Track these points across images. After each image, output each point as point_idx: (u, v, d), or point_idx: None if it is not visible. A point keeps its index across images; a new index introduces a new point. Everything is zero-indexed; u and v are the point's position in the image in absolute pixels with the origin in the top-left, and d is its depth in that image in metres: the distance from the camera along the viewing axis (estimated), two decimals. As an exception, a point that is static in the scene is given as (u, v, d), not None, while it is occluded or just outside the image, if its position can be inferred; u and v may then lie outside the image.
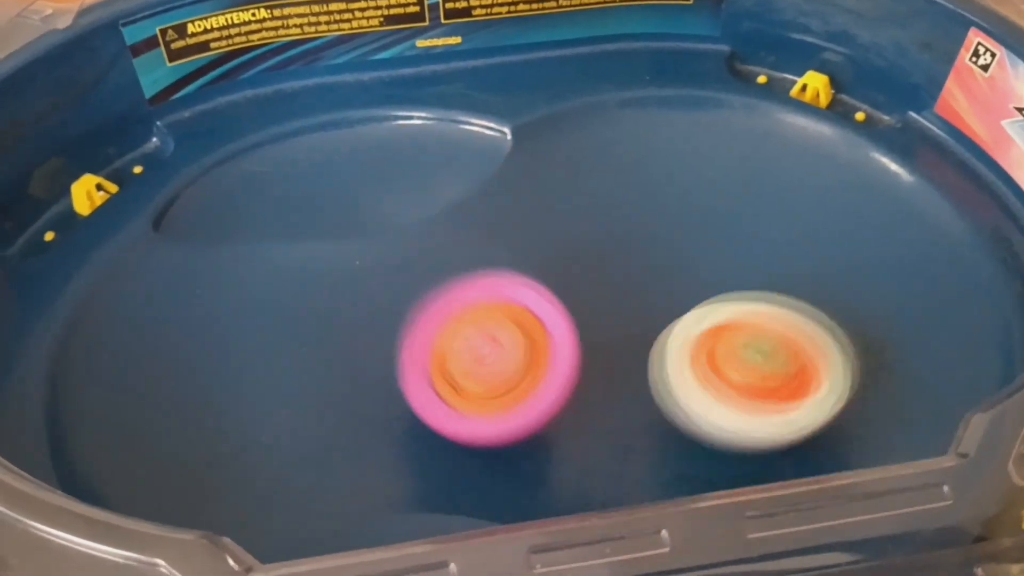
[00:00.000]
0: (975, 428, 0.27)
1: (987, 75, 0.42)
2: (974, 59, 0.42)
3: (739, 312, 0.34)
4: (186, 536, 0.25)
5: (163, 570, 0.25)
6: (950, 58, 0.43)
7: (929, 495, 0.25)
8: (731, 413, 0.32)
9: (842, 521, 0.25)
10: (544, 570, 0.24)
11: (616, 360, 0.37)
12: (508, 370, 0.32)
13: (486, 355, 0.32)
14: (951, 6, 0.43)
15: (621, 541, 0.25)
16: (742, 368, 0.32)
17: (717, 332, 0.34)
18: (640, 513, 0.25)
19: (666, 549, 0.24)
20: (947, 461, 0.26)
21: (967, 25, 0.42)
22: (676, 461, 0.34)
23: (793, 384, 0.32)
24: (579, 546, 0.25)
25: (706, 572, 0.24)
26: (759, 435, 0.31)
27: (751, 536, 0.25)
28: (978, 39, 0.42)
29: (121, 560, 0.25)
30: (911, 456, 0.27)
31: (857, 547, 0.25)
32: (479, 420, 0.31)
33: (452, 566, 0.24)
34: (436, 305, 0.34)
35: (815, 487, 0.25)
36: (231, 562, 0.25)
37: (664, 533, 0.25)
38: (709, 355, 0.33)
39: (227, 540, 0.26)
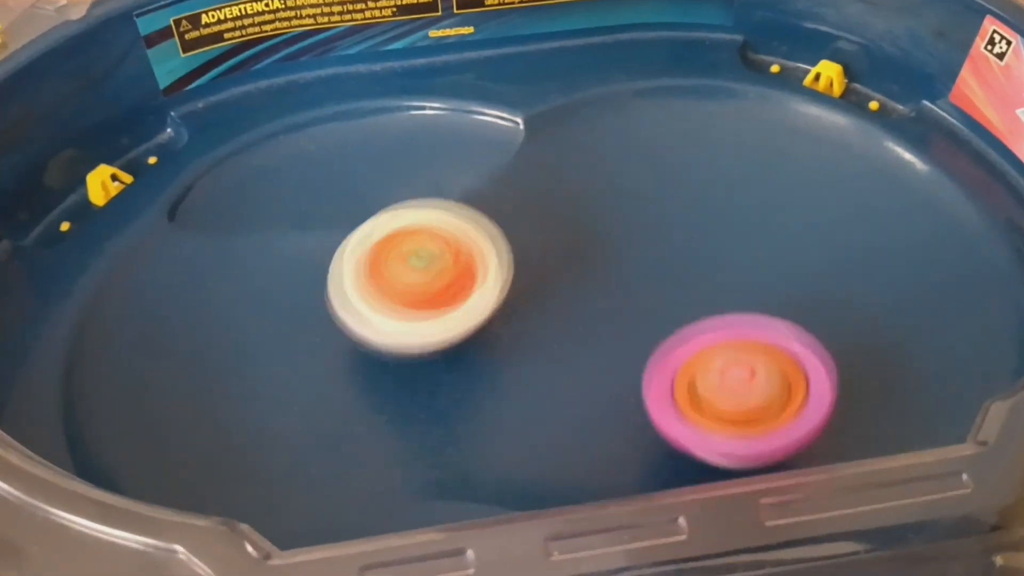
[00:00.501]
0: (994, 416, 0.27)
1: (1003, 64, 0.42)
2: (989, 47, 0.42)
3: (406, 221, 0.37)
4: (204, 522, 0.26)
5: (182, 556, 0.25)
6: (965, 47, 0.43)
7: (948, 483, 0.25)
8: (389, 321, 0.35)
9: (860, 509, 0.25)
10: (561, 557, 0.24)
11: (632, 349, 0.37)
12: (759, 400, 0.31)
13: (740, 383, 0.31)
14: (966, -6, 0.43)
15: (638, 528, 0.25)
16: (404, 276, 0.35)
17: (385, 243, 0.36)
18: (658, 500, 0.25)
19: (683, 536, 0.24)
20: (966, 449, 0.26)
21: (983, 13, 0.42)
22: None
23: (452, 290, 0.35)
24: (596, 533, 0.25)
25: (724, 559, 0.24)
26: (416, 340, 0.35)
27: (769, 524, 0.24)
28: (994, 27, 0.42)
29: (139, 546, 0.25)
30: (926, 445, 0.27)
31: (875, 535, 0.25)
32: (713, 435, 0.30)
33: (469, 552, 0.24)
34: (693, 331, 0.33)
35: (833, 475, 0.25)
36: (250, 548, 0.25)
37: (681, 520, 0.25)
38: (375, 266, 0.36)
39: (245, 527, 0.26)
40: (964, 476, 0.25)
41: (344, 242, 0.37)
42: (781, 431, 0.30)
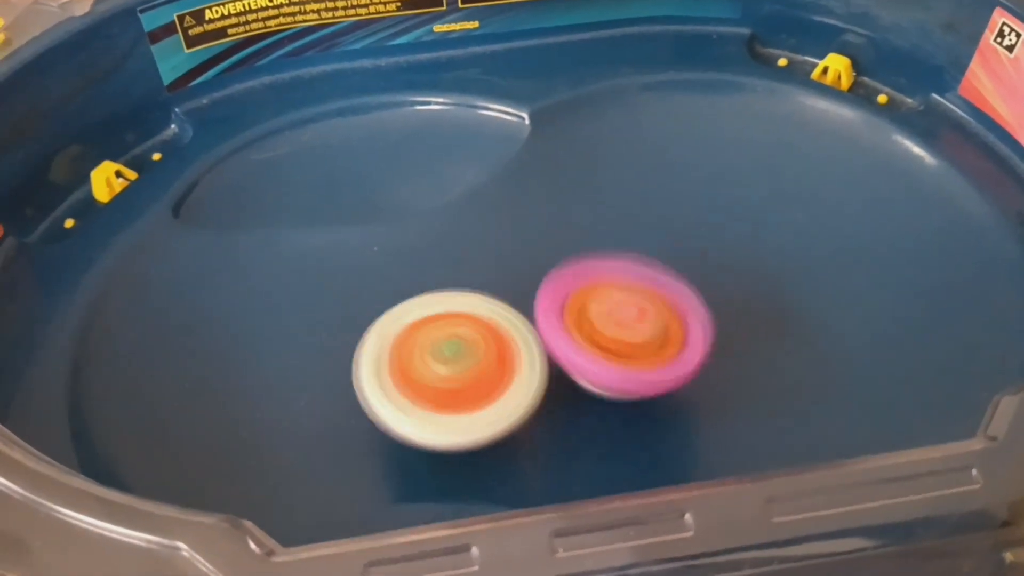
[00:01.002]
0: (1004, 411, 0.26)
1: (1012, 56, 0.41)
2: (999, 40, 0.42)
3: (432, 310, 0.34)
4: (207, 519, 0.25)
5: (184, 553, 0.25)
6: (974, 39, 0.43)
7: (957, 478, 0.25)
8: (415, 422, 0.31)
9: (868, 505, 0.24)
10: (567, 554, 0.24)
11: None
12: (647, 335, 0.32)
13: (630, 319, 0.33)
14: (975, -14, 0.42)
15: (644, 525, 0.24)
16: (428, 372, 0.32)
17: (411, 332, 0.33)
18: (664, 496, 0.25)
19: (690, 533, 0.24)
20: (976, 444, 0.26)
21: (992, 5, 0.42)
22: (702, 444, 0.34)
23: (481, 388, 0.32)
24: (602, 530, 0.24)
25: (730, 556, 0.24)
26: (443, 441, 0.31)
27: (776, 520, 0.24)
28: (1003, 19, 0.41)
29: (143, 543, 0.25)
30: (935, 440, 0.26)
31: (883, 531, 0.25)
32: (607, 365, 0.32)
33: (474, 549, 0.24)
34: (579, 268, 0.35)
35: (841, 470, 0.25)
36: (252, 545, 0.25)
37: (688, 517, 0.24)
38: (400, 359, 0.33)
39: (248, 523, 0.25)
40: (974, 471, 0.25)
41: (372, 325, 0.35)
42: (646, 373, 0.32)
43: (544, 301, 0.33)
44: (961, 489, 0.25)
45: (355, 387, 0.33)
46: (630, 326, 0.33)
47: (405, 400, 0.32)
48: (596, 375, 0.32)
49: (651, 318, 0.33)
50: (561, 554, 0.24)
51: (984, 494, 0.25)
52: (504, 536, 0.25)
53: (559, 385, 0.33)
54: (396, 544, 0.24)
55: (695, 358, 0.33)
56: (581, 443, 0.34)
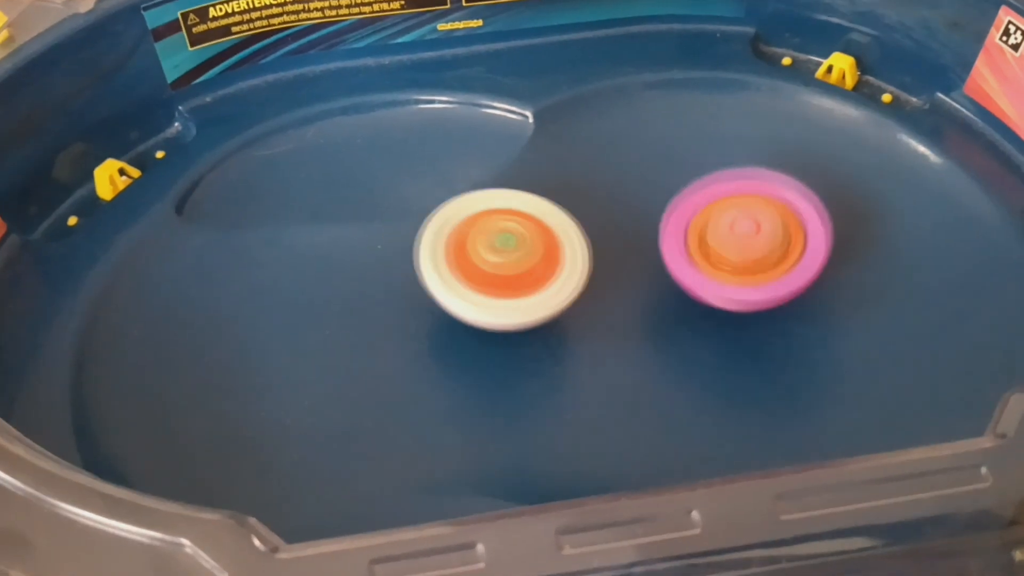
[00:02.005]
0: (1013, 408, 0.26)
1: (1018, 55, 0.41)
2: (1005, 38, 0.42)
3: (491, 203, 0.38)
4: (211, 516, 0.25)
5: (188, 550, 0.25)
6: (980, 37, 0.43)
7: (967, 476, 0.25)
8: (471, 304, 0.35)
9: (877, 503, 0.24)
10: (573, 551, 0.24)
11: (639, 340, 0.37)
12: (762, 251, 0.35)
13: (746, 234, 0.35)
14: (981, -16, 0.42)
15: (651, 522, 0.24)
16: (481, 259, 0.36)
17: (470, 223, 0.37)
18: (671, 494, 0.25)
19: (697, 530, 0.24)
20: (985, 442, 0.25)
21: (998, 4, 0.42)
22: (709, 439, 0.34)
23: (534, 275, 0.36)
24: (608, 527, 0.24)
25: (738, 554, 0.24)
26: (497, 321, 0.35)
27: (784, 518, 0.24)
28: (1009, 18, 0.41)
29: (146, 540, 0.25)
30: (942, 437, 0.26)
31: (892, 530, 0.24)
32: (727, 286, 0.35)
33: (480, 546, 0.24)
34: (700, 187, 0.37)
35: (849, 468, 0.25)
36: (257, 542, 0.25)
37: (695, 514, 0.24)
38: (459, 245, 0.36)
39: (253, 520, 0.25)
40: (983, 469, 0.25)
41: (430, 216, 0.38)
42: (780, 281, 0.35)
43: (668, 235, 0.36)
44: (971, 487, 0.24)
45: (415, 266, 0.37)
46: (750, 242, 0.35)
47: (457, 282, 0.36)
48: (723, 300, 0.35)
49: (768, 228, 0.35)
50: (567, 551, 0.24)
51: (994, 492, 0.24)
52: (510, 533, 0.24)
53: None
54: (402, 541, 0.24)
55: (817, 260, 0.35)
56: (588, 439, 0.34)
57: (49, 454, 0.28)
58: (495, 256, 0.36)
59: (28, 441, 0.29)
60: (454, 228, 0.37)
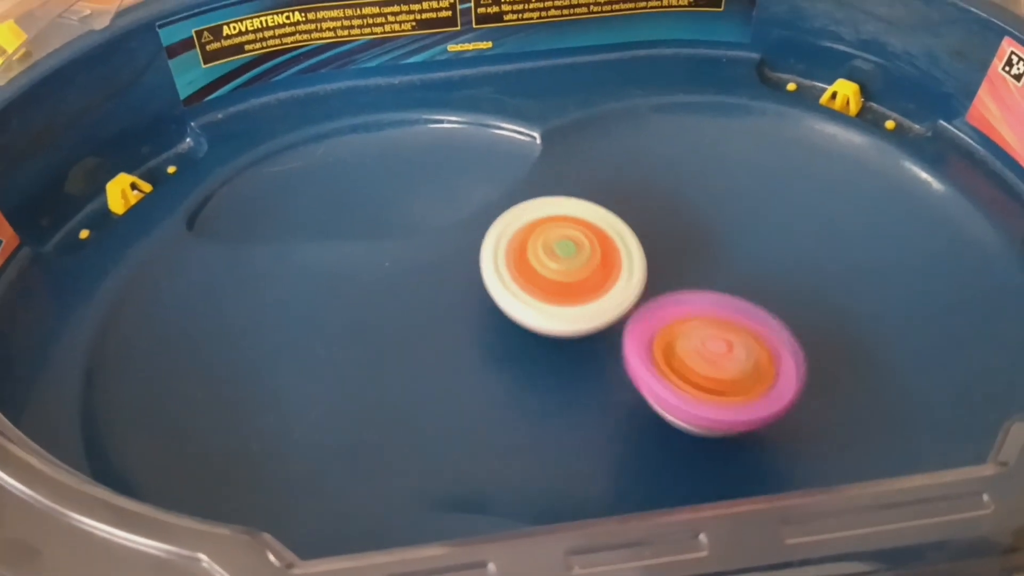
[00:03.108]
0: (1015, 436, 0.27)
1: (1020, 84, 0.42)
2: (1007, 68, 0.42)
3: (547, 212, 0.39)
4: (227, 531, 0.26)
5: (204, 565, 0.25)
6: (983, 67, 0.43)
7: (969, 503, 0.25)
8: (532, 310, 0.36)
9: (881, 528, 0.25)
10: (582, 571, 0.24)
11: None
12: (731, 373, 0.33)
13: (717, 354, 0.33)
14: (985, 15, 0.43)
15: (659, 544, 0.25)
16: (541, 266, 0.36)
17: (530, 230, 0.38)
18: (678, 516, 0.25)
19: (704, 553, 0.24)
20: (987, 469, 0.26)
21: (1001, 34, 0.42)
22: (716, 463, 0.34)
23: (585, 286, 0.36)
24: (617, 548, 0.25)
25: (744, 576, 0.24)
26: (557, 328, 0.36)
27: (789, 541, 0.25)
28: (1012, 48, 0.42)
29: (162, 554, 0.25)
30: (941, 465, 0.27)
31: (895, 555, 0.25)
32: (696, 403, 0.32)
33: (491, 565, 0.24)
34: (667, 302, 0.36)
35: (854, 493, 0.25)
36: (272, 558, 0.25)
37: (702, 537, 0.25)
38: (520, 253, 0.37)
39: (267, 536, 0.26)
40: (985, 497, 0.25)
41: (494, 224, 0.39)
42: (746, 406, 0.32)
43: (632, 339, 0.34)
44: (973, 514, 0.25)
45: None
46: (719, 362, 0.33)
47: (518, 287, 0.37)
48: (687, 414, 0.32)
49: (740, 353, 0.33)
50: (577, 571, 0.24)
51: (995, 519, 0.25)
52: (520, 552, 0.25)
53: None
54: (414, 559, 0.25)
55: (788, 393, 0.32)
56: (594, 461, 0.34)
57: (63, 465, 0.29)
58: (555, 263, 0.36)
59: (43, 452, 0.29)
60: (514, 233, 0.38)
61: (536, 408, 0.36)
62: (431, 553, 0.25)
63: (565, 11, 0.49)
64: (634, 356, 0.33)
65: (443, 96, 0.48)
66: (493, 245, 0.38)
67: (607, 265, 0.37)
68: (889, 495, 0.25)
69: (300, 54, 0.48)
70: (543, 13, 0.49)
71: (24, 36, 0.42)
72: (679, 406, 0.32)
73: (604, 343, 0.37)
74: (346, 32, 0.47)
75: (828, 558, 0.24)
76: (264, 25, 0.46)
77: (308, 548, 0.26)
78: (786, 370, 0.33)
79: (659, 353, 0.33)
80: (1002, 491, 0.25)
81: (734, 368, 0.33)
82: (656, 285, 0.37)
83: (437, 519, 0.33)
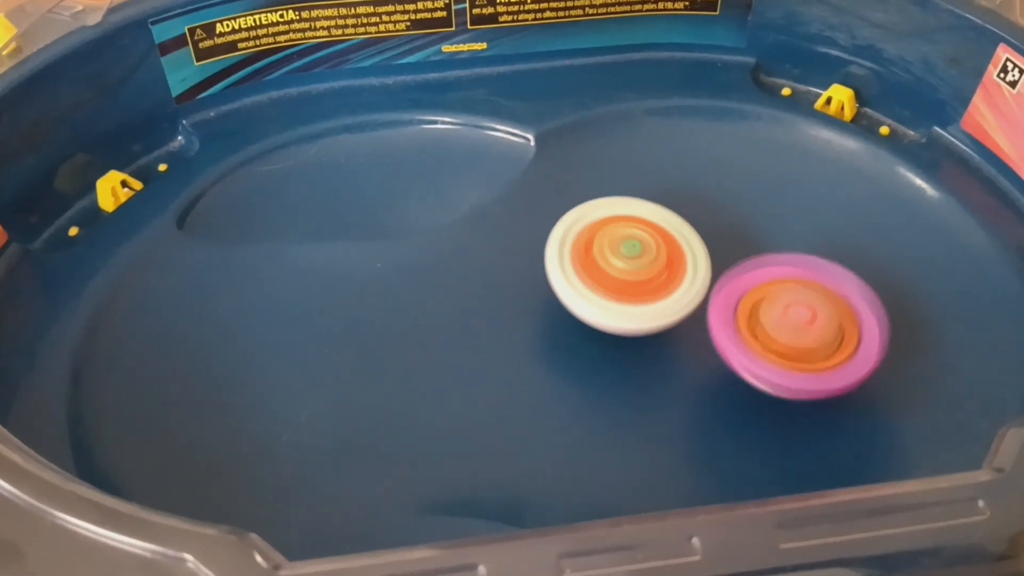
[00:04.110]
0: (1011, 442, 0.26)
1: (1015, 92, 0.42)
2: (1002, 75, 0.42)
3: (613, 211, 0.39)
4: (213, 531, 0.25)
5: (190, 565, 0.25)
6: (978, 74, 0.43)
7: (964, 509, 0.25)
8: (598, 308, 0.36)
9: (876, 533, 0.24)
10: (573, 575, 0.24)
11: (641, 365, 0.37)
12: (813, 342, 0.34)
13: (801, 322, 0.34)
14: (980, 21, 0.43)
15: (652, 548, 0.24)
16: (608, 264, 0.37)
17: (595, 228, 0.38)
18: (672, 520, 0.25)
19: (697, 557, 0.24)
20: (982, 475, 0.26)
21: (996, 41, 0.42)
22: (711, 467, 0.34)
23: (659, 280, 0.37)
24: (609, 551, 0.24)
25: (737, 581, 0.24)
26: (625, 326, 0.36)
27: (784, 546, 0.24)
28: (1007, 55, 0.42)
29: (147, 553, 0.25)
30: (935, 470, 0.27)
31: (889, 560, 0.25)
32: (763, 361, 0.33)
33: (481, 568, 0.24)
34: (747, 269, 0.36)
35: (849, 498, 0.25)
36: (259, 559, 0.25)
37: (695, 540, 0.24)
38: (586, 249, 0.37)
39: (254, 536, 0.25)
40: (980, 503, 0.25)
41: (561, 220, 0.39)
42: (825, 375, 0.33)
43: (716, 309, 0.35)
44: (968, 520, 0.25)
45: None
46: (803, 329, 0.34)
47: (582, 285, 0.37)
48: (775, 383, 0.33)
49: (822, 321, 0.34)
50: (568, 574, 0.24)
51: (991, 525, 0.25)
52: (512, 556, 0.25)
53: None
54: (403, 561, 0.24)
55: (870, 360, 0.33)
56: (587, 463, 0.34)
57: (49, 464, 0.28)
58: (621, 262, 0.37)
59: (27, 450, 0.29)
60: (580, 231, 0.38)
61: (525, 411, 0.36)
62: (421, 555, 0.24)
63: (560, 13, 0.49)
64: (719, 328, 0.34)
65: (437, 97, 0.48)
66: (559, 243, 0.38)
67: (672, 266, 0.37)
68: (884, 500, 0.25)
69: (293, 53, 0.47)
70: (538, 15, 0.48)
71: (14, 30, 0.42)
72: (761, 374, 0.33)
73: (594, 345, 0.37)
74: (340, 31, 0.47)
75: (822, 563, 0.24)
76: (258, 23, 0.46)
77: (296, 550, 0.25)
78: (868, 337, 0.34)
79: (743, 322, 0.35)
80: (998, 497, 0.25)
81: (816, 336, 0.33)
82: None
83: (428, 522, 0.32)
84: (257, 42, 0.47)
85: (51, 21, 0.42)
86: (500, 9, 0.48)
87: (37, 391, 0.36)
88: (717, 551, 0.24)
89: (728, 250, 0.41)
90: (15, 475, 0.27)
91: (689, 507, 0.26)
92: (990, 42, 0.42)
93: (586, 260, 0.37)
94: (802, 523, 0.25)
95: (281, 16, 0.46)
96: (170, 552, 0.25)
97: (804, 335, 0.34)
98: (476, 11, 0.48)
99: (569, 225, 0.39)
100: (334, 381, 0.37)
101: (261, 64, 0.47)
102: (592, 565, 0.24)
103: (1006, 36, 0.42)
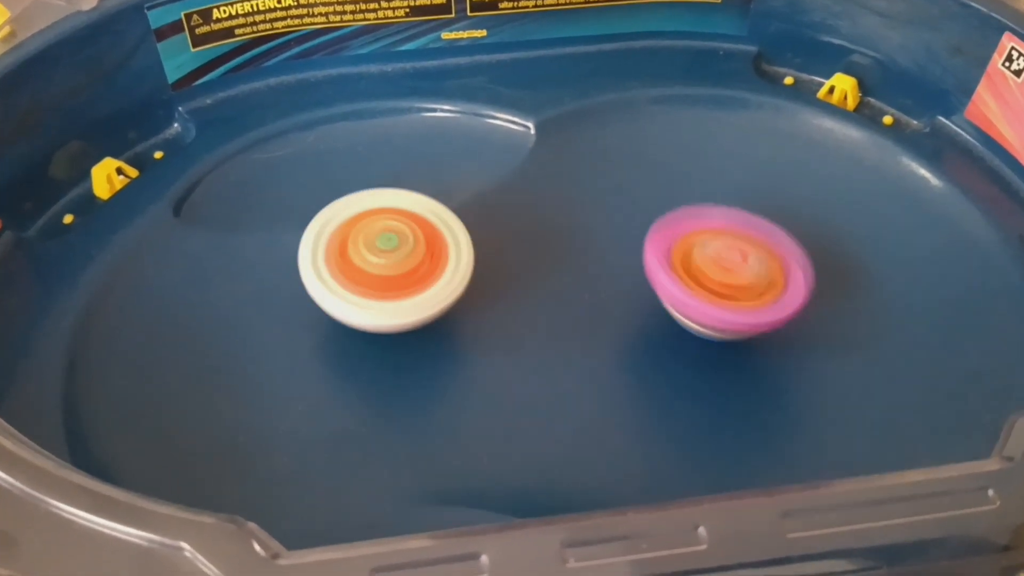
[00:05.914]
0: (1020, 431, 0.26)
1: (1020, 80, 0.42)
2: (1007, 64, 0.42)
3: (369, 204, 0.38)
4: (211, 520, 0.25)
5: (187, 554, 0.24)
6: (982, 63, 0.43)
7: (973, 498, 0.25)
8: (345, 305, 0.35)
9: (884, 523, 0.24)
10: (577, 564, 0.24)
11: (643, 354, 0.37)
12: (745, 280, 0.35)
13: (732, 262, 0.35)
14: (985, 10, 0.42)
15: (657, 537, 0.24)
16: (363, 260, 0.36)
17: (349, 226, 0.37)
18: (677, 509, 0.25)
19: (703, 546, 0.24)
20: (991, 464, 0.25)
21: (1001, 30, 0.42)
22: (716, 455, 0.34)
23: (422, 271, 0.36)
24: (614, 541, 0.24)
25: (744, 571, 0.24)
26: (370, 323, 0.35)
27: (790, 536, 0.24)
28: (1012, 44, 0.42)
29: (144, 542, 0.25)
30: (939, 460, 0.26)
31: (897, 550, 0.24)
32: (697, 298, 0.35)
33: (484, 557, 0.24)
34: (686, 214, 0.37)
35: (856, 487, 0.25)
36: (257, 547, 0.24)
37: (701, 530, 0.24)
38: (342, 247, 0.36)
39: (253, 525, 0.25)
40: (990, 492, 0.25)
41: (312, 222, 0.38)
42: (756, 311, 0.35)
43: (652, 247, 0.36)
44: (978, 509, 0.24)
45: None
46: (735, 269, 0.35)
47: (337, 284, 0.35)
48: (706, 316, 0.35)
49: (753, 262, 0.35)
50: (572, 564, 0.24)
51: (1000, 514, 0.24)
52: (514, 544, 0.24)
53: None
54: (404, 549, 0.24)
55: (797, 299, 0.35)
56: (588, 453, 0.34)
57: (45, 452, 0.28)
58: (378, 257, 0.35)
59: (21, 436, 0.28)
60: (335, 229, 0.37)
61: (527, 401, 0.36)
62: (423, 544, 0.24)
63: (561, 1, 0.48)
64: (653, 262, 0.35)
65: (436, 84, 0.48)
66: (311, 247, 0.36)
67: (434, 255, 0.36)
68: (892, 490, 0.25)
69: (291, 39, 0.47)
70: (539, 2, 0.48)
71: (7, 14, 0.41)
72: (696, 306, 0.34)
73: (595, 337, 0.36)
74: (338, 17, 0.47)
75: (829, 553, 0.24)
76: (255, 9, 0.45)
77: (296, 539, 0.25)
78: (795, 278, 0.36)
79: (678, 261, 0.36)
80: (1007, 486, 0.25)
81: (747, 274, 0.35)
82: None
83: (428, 512, 0.32)
84: (254, 28, 0.46)
85: (45, 5, 0.42)
86: (500, -4, 0.47)
87: (32, 379, 0.36)
88: (724, 540, 0.24)
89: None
90: (8, 463, 0.27)
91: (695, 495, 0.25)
92: (995, 31, 0.42)
93: (342, 261, 0.36)
94: (809, 512, 0.24)
95: (279, 2, 0.46)
96: (167, 541, 0.24)
97: (735, 274, 0.35)
98: (476, -2, 0.47)
99: (321, 226, 0.37)
100: (330, 369, 0.37)
101: (258, 51, 0.47)
102: (596, 554, 0.24)
103: (1011, 25, 0.42)
